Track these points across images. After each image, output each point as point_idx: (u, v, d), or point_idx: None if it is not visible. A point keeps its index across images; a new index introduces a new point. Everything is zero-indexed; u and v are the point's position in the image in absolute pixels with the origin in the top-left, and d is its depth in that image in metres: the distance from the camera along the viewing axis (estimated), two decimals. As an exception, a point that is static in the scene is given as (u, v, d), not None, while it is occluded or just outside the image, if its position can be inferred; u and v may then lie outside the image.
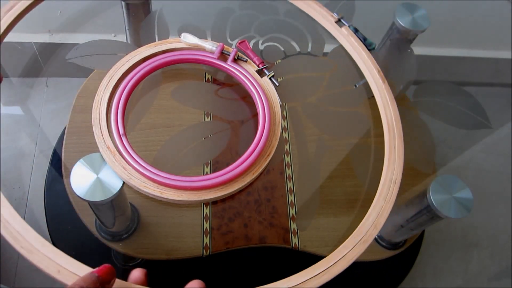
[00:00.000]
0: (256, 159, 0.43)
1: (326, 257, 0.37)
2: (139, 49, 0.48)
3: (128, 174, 0.40)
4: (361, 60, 0.52)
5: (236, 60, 0.49)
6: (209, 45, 0.48)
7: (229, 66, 0.48)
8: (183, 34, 0.48)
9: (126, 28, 0.55)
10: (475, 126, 0.56)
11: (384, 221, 0.40)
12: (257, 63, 0.50)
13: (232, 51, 0.48)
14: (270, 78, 0.49)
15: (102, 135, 0.42)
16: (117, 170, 0.39)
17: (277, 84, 0.49)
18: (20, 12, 0.46)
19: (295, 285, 0.35)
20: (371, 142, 0.53)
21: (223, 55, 0.49)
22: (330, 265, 0.37)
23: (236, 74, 0.48)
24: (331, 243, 0.39)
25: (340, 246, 0.38)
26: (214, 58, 0.48)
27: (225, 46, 0.48)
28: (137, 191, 0.40)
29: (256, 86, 0.47)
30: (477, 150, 0.85)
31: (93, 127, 0.42)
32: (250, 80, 0.47)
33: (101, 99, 0.44)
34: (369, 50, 0.53)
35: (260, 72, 0.49)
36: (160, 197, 0.40)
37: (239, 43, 0.53)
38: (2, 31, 0.44)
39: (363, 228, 0.40)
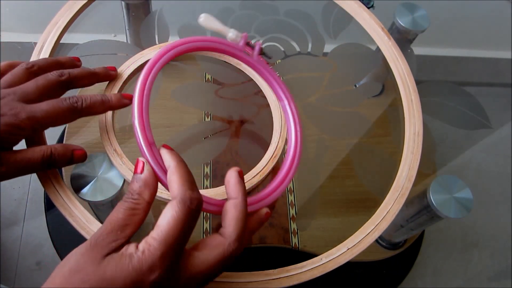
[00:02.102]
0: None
1: (372, 217, 0.40)
2: (143, 52, 0.48)
3: None
4: (364, 21, 0.53)
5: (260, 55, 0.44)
6: (232, 33, 0.42)
7: (257, 63, 0.44)
8: (203, 15, 0.41)
9: (126, 28, 0.55)
10: (475, 126, 0.56)
11: (415, 174, 0.43)
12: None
13: (256, 44, 0.43)
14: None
15: (108, 138, 0.42)
16: (124, 172, 0.39)
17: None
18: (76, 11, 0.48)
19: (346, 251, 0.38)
20: (371, 142, 0.53)
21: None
22: (378, 222, 0.40)
23: (264, 74, 0.45)
24: (331, 243, 0.39)
25: (382, 203, 0.41)
26: (240, 50, 0.43)
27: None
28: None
29: (286, 91, 0.44)
30: (477, 150, 0.85)
31: (99, 129, 0.42)
32: (279, 84, 0.45)
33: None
34: (368, 8, 0.53)
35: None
36: (168, 199, 0.40)
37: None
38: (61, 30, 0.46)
39: (399, 183, 0.42)
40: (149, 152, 0.30)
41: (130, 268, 0.24)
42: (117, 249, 0.25)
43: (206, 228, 0.45)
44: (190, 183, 0.27)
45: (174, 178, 0.27)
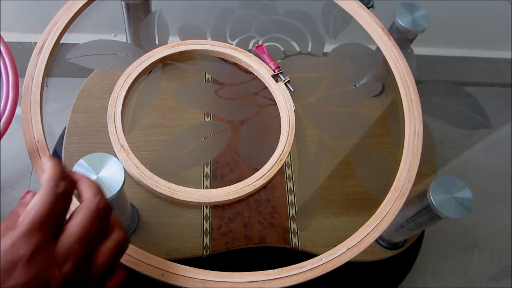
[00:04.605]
0: None
1: (372, 217, 0.41)
2: (157, 49, 0.48)
3: (140, 173, 0.40)
4: (364, 21, 0.53)
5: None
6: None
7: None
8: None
9: (126, 28, 0.55)
10: (475, 126, 0.56)
11: (415, 174, 0.44)
12: (273, 68, 0.50)
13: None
14: (285, 84, 0.49)
15: (116, 133, 0.42)
16: (129, 168, 0.39)
17: (292, 90, 0.49)
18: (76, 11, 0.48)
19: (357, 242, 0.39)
20: (371, 142, 0.53)
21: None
22: (378, 222, 0.40)
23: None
24: (331, 243, 0.39)
25: (382, 203, 0.42)
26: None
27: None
28: (150, 190, 0.41)
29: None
30: (477, 150, 0.85)
31: (108, 125, 0.42)
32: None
33: (117, 97, 0.44)
34: (368, 8, 0.53)
35: (276, 77, 0.49)
36: (171, 197, 0.40)
37: (256, 47, 0.53)
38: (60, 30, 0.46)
39: (399, 183, 0.43)
40: None
41: None
42: None
43: (206, 228, 0.45)
44: (63, 172, 0.27)
45: (46, 167, 0.27)
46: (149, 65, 0.47)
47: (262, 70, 0.50)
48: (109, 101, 0.44)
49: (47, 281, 0.23)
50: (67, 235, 0.25)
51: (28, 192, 0.28)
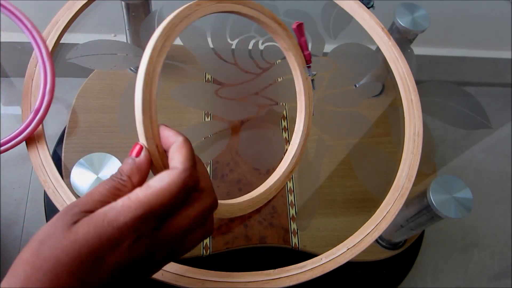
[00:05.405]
0: None
1: (372, 217, 0.41)
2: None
3: None
4: (364, 21, 0.53)
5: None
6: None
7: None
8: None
9: (126, 28, 0.55)
10: (475, 126, 0.56)
11: (415, 174, 0.43)
12: (307, 57, 0.45)
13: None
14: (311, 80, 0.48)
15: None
16: None
17: (314, 89, 0.47)
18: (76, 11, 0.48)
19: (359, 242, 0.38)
20: (371, 142, 0.53)
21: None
22: (378, 222, 0.40)
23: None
24: (331, 243, 0.39)
25: (382, 203, 0.42)
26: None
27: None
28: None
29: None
30: (477, 150, 0.85)
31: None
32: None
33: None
34: (368, 8, 0.53)
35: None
36: None
37: (297, 25, 0.44)
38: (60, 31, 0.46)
39: (399, 183, 0.43)
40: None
41: (105, 223, 0.22)
42: (90, 212, 0.23)
43: (206, 228, 0.45)
44: (194, 162, 0.26)
45: (181, 151, 0.26)
46: None
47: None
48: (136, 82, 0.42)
49: (147, 261, 0.24)
50: (172, 228, 0.25)
51: (136, 145, 0.27)
